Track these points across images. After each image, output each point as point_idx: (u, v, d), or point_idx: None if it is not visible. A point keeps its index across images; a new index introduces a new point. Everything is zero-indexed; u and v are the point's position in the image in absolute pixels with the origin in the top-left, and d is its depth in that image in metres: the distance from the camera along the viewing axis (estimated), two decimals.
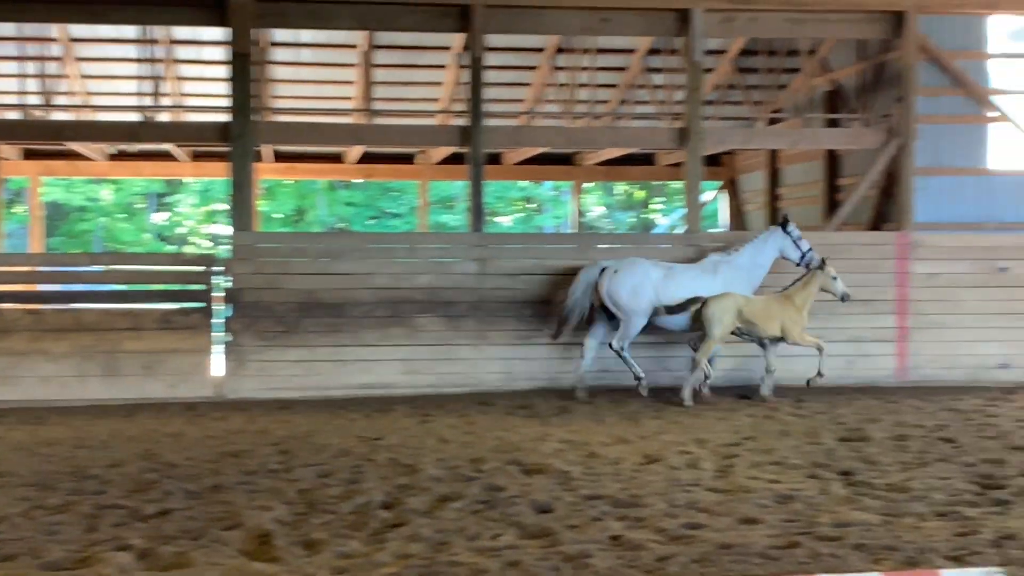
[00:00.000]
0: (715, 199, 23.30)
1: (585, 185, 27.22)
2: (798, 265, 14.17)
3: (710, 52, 17.73)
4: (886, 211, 16.04)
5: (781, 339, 13.47)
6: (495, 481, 8.82)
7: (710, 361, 13.57)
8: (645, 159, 22.48)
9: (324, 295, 14.38)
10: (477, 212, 15.13)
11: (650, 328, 14.00)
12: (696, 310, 13.46)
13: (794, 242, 14.16)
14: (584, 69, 18.42)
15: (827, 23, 15.60)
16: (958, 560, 6.59)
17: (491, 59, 16.93)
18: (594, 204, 35.16)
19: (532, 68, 19.56)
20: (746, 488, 8.58)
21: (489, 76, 16.63)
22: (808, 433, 11.10)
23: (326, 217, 34.15)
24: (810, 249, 14.10)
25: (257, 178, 18.27)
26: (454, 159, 20.27)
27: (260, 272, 14.34)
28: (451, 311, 14.56)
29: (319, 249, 14.75)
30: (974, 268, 15.11)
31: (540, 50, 18.91)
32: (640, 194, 35.52)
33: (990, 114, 15.76)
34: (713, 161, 21.11)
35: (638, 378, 13.78)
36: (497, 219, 34.17)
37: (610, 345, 13.87)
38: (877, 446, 10.37)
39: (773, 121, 19.15)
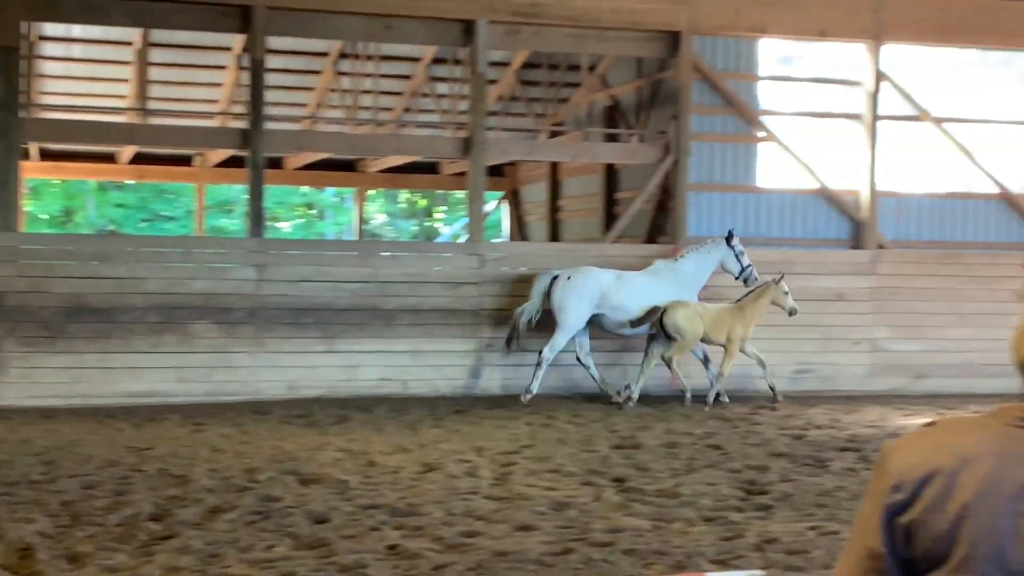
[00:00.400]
0: (497, 209, 23.53)
1: (368, 192, 27.10)
2: (737, 279, 14.63)
3: (494, 64, 17.90)
4: (661, 225, 16.50)
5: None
6: (270, 491, 8.66)
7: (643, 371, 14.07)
8: (429, 167, 22.54)
9: (92, 299, 13.85)
10: (256, 217, 14.84)
11: (605, 334, 14.51)
12: (658, 318, 13.86)
13: (736, 256, 14.62)
14: (368, 76, 18.34)
15: (607, 40, 15.95)
16: (723, 564, 6.80)
17: (273, 62, 16.68)
18: (377, 211, 35.03)
19: (315, 72, 19.36)
20: (523, 496, 8.66)
21: (271, 79, 16.36)
22: (584, 441, 11.30)
23: (96, 219, 32.94)
24: (750, 265, 14.59)
25: (22, 177, 17.45)
26: (233, 162, 19.85)
27: (24, 275, 13.71)
28: (227, 318, 14.23)
29: (88, 252, 14.20)
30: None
31: (324, 55, 18.73)
32: (423, 202, 35.56)
33: (759, 134, 16.40)
34: (496, 171, 21.30)
35: (529, 391, 13.95)
36: (277, 225, 33.65)
37: (540, 352, 14.05)
38: (649, 453, 10.64)
39: (555, 134, 19.47)
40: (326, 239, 31.47)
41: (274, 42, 15.99)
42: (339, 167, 22.21)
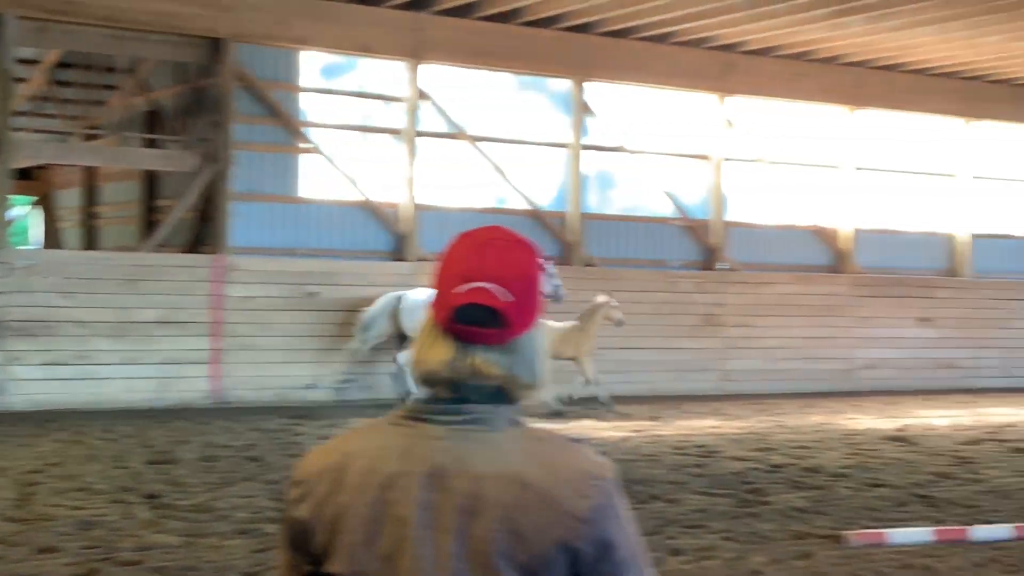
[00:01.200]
0: (27, 215, 22.24)
1: None
2: (547, 297, 14.69)
3: (23, 61, 16.86)
4: (203, 234, 16.19)
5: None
6: None
7: None
8: None
9: None
10: None
11: None
12: None
13: (547, 277, 15.19)
14: None
15: (146, 43, 15.48)
16: None
17: None
18: None
19: None
20: (46, 516, 8.23)
21: None
22: (116, 457, 10.90)
23: None
24: (559, 283, 15.76)
25: None
26: None
27: None
28: None
29: None
30: (285, 292, 15.68)
31: None
32: None
33: (302, 145, 16.48)
34: (25, 175, 20.09)
35: (403, 395, 14.74)
36: None
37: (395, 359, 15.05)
38: (186, 467, 10.40)
39: (90, 137, 18.63)
40: None
41: None
42: None
